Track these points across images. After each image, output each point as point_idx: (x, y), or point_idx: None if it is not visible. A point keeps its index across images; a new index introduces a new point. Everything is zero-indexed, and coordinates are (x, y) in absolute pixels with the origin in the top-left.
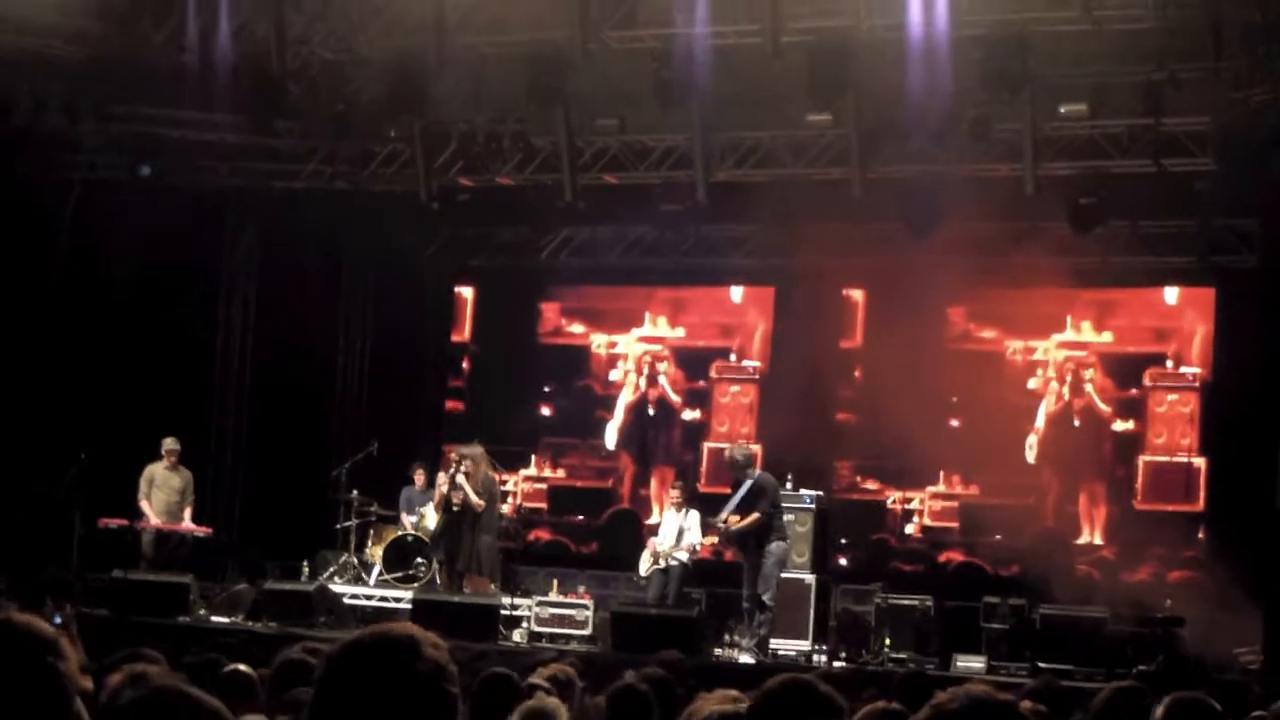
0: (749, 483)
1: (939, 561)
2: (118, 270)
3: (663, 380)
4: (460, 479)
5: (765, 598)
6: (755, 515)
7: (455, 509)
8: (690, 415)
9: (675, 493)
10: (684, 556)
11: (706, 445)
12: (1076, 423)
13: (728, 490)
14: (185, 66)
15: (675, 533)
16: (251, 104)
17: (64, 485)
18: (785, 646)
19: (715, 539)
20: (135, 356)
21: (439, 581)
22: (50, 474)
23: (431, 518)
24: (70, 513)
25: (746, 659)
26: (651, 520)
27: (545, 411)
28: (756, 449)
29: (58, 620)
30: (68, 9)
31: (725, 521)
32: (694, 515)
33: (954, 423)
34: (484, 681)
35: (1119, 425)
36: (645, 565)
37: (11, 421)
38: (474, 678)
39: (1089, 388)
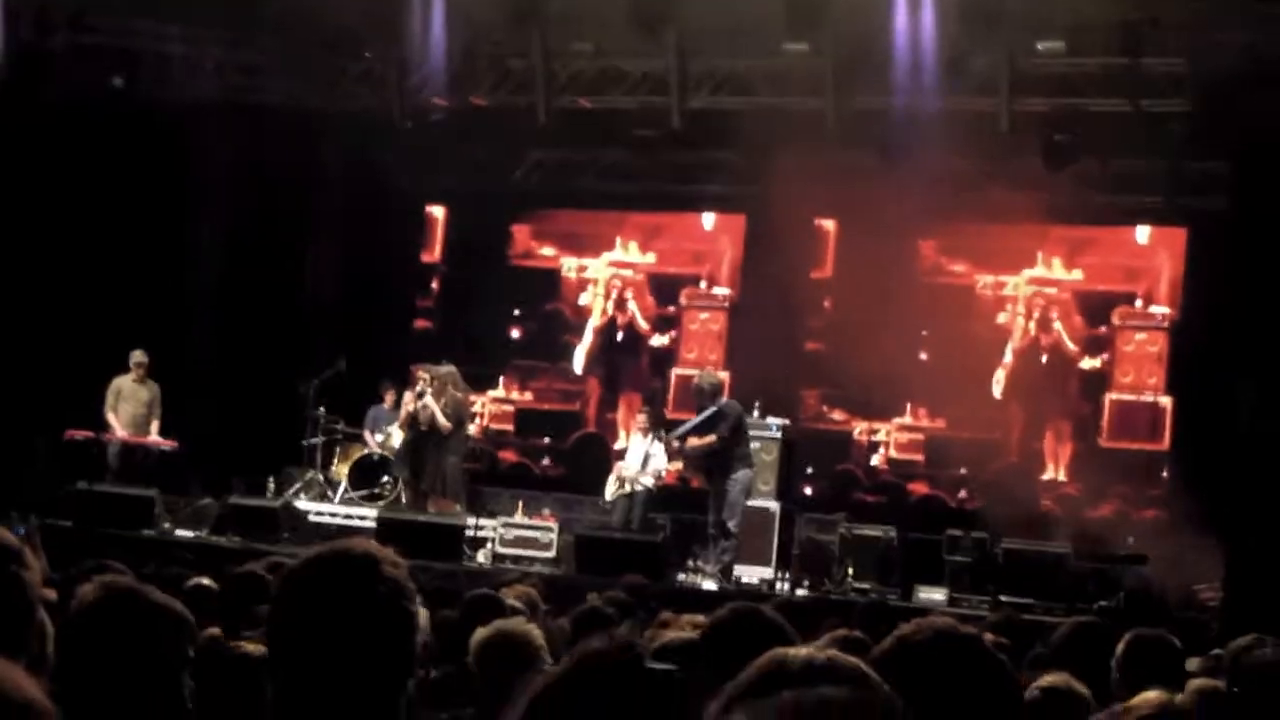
0: (712, 408)
1: (904, 493)
2: (89, 182)
3: (632, 306)
4: (428, 399)
5: (730, 524)
6: (712, 438)
7: (422, 429)
8: (659, 341)
9: (642, 418)
10: (649, 482)
11: (674, 372)
12: (1044, 359)
13: (693, 417)
14: None
15: (641, 458)
16: (225, 16)
17: (29, 396)
18: (748, 573)
19: (678, 464)
20: (102, 268)
21: (404, 500)
22: (15, 386)
23: (398, 436)
24: (35, 423)
25: (710, 585)
26: (618, 445)
27: (514, 334)
28: (724, 376)
29: (20, 531)
30: None
31: (681, 440)
32: (659, 442)
33: (922, 355)
34: (470, 603)
35: (1086, 363)
36: (611, 490)
37: None
38: (452, 598)
39: (1058, 325)
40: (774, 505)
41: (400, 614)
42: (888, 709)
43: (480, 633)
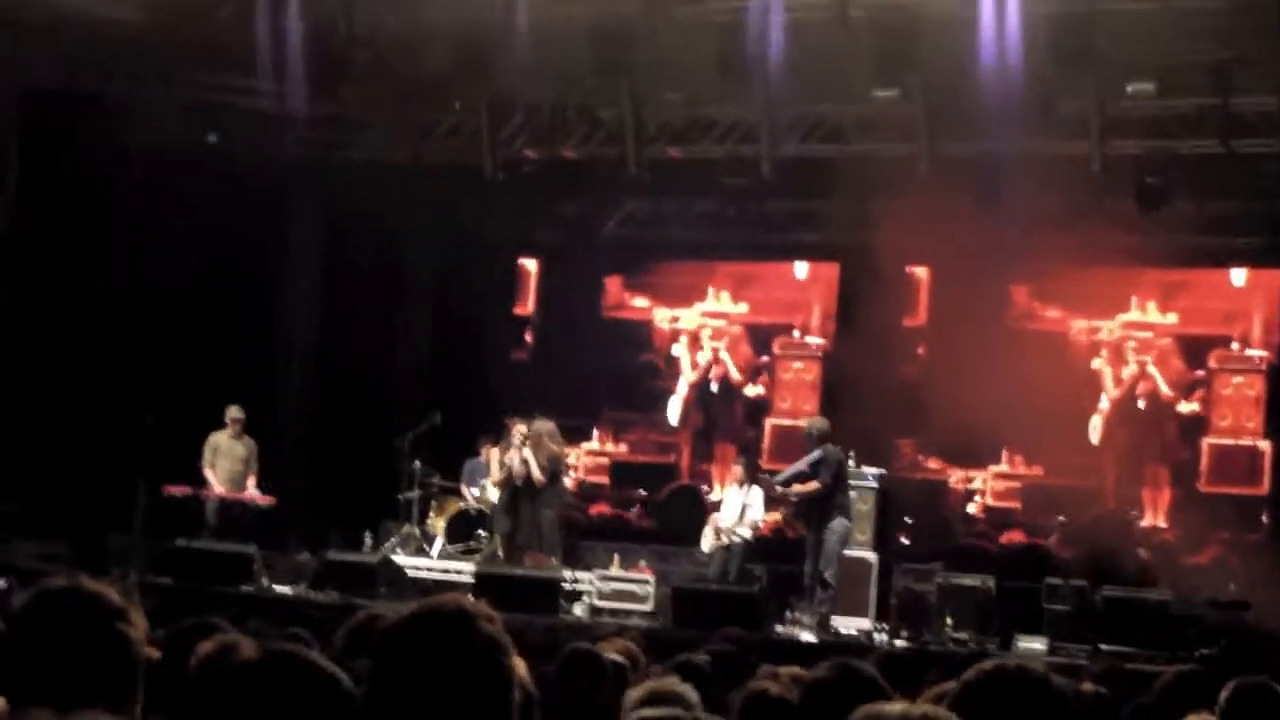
0: (817, 453)
1: (1001, 541)
2: (182, 238)
3: (725, 356)
4: (525, 452)
5: (827, 575)
6: (814, 485)
7: (518, 483)
8: (752, 391)
9: (738, 469)
10: (746, 533)
11: (769, 421)
12: (1141, 404)
13: (789, 467)
14: (252, 34)
15: (738, 509)
16: (318, 73)
17: (128, 452)
18: (846, 624)
19: (776, 514)
20: (200, 325)
21: (500, 555)
22: (115, 441)
23: (494, 491)
24: (134, 479)
25: (808, 636)
26: (713, 496)
27: (607, 386)
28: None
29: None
30: None
31: (785, 485)
32: (757, 492)
33: (1017, 402)
34: (568, 658)
35: (1183, 407)
36: (708, 541)
37: (76, 389)
38: (549, 653)
39: (1153, 369)
40: (871, 555)
41: (496, 668)
42: None
43: (633, 694)
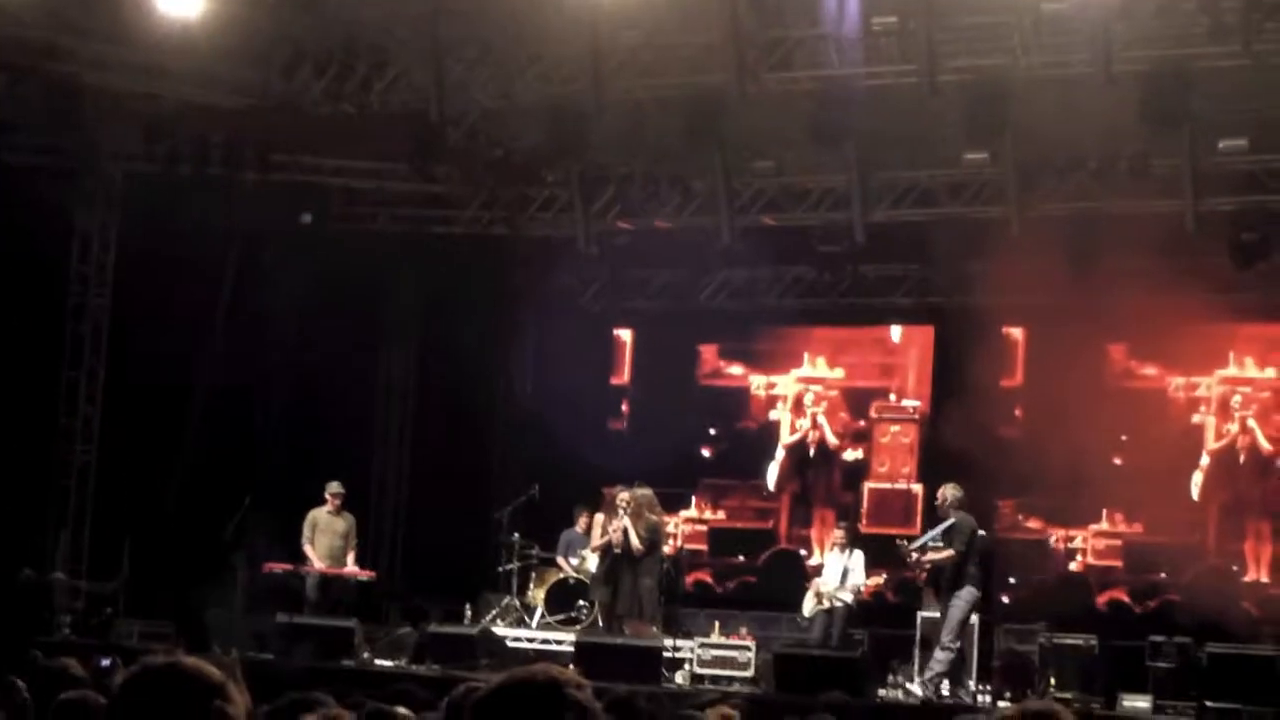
0: (949, 521)
1: (1103, 600)
2: (282, 318)
3: (822, 420)
4: (625, 521)
5: (947, 640)
6: (949, 552)
7: (617, 552)
8: (850, 455)
9: (839, 533)
10: (848, 597)
11: (867, 485)
12: (1242, 459)
13: (889, 530)
14: (346, 115)
15: (839, 573)
16: (411, 151)
17: (230, 530)
18: (948, 687)
19: (879, 579)
20: (300, 402)
21: (600, 624)
22: (216, 519)
23: (592, 560)
24: (235, 557)
25: (916, 690)
26: (813, 561)
27: (705, 453)
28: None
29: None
30: (229, 59)
31: (920, 552)
32: (858, 555)
33: (1117, 460)
34: None
35: None
36: (809, 606)
37: (177, 467)
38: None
39: (1253, 423)
40: (973, 616)
41: None
42: None
43: None
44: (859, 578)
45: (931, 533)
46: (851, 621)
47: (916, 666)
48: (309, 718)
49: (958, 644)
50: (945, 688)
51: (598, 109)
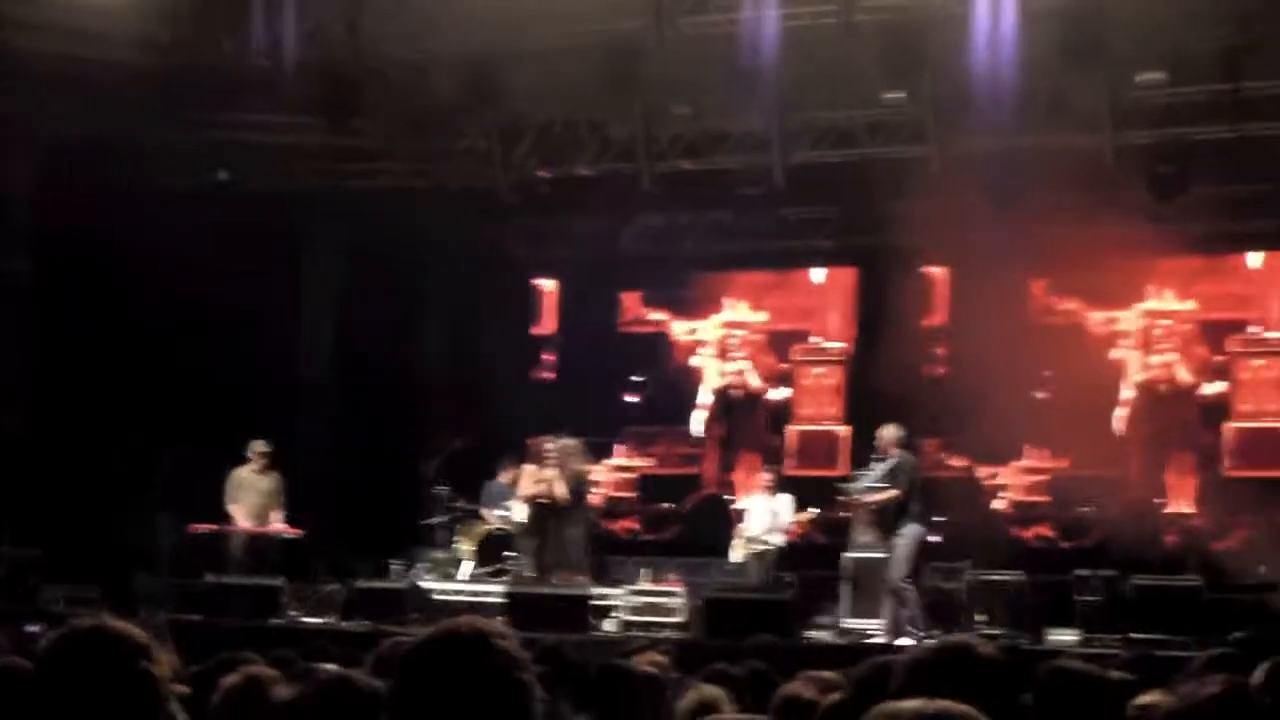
0: (892, 460)
1: (1029, 535)
2: (199, 276)
3: (744, 365)
4: (550, 472)
5: (898, 581)
6: (893, 492)
7: (543, 503)
8: (774, 399)
9: (766, 477)
10: (779, 540)
11: (792, 428)
12: (1163, 391)
13: (815, 472)
14: (258, 70)
15: (768, 517)
16: (327, 105)
17: (152, 491)
18: (874, 626)
19: (808, 516)
20: (219, 361)
21: (528, 575)
22: (139, 481)
23: (519, 511)
24: (159, 518)
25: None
26: (739, 505)
27: (630, 400)
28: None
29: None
30: (139, 17)
31: (862, 492)
32: (785, 498)
33: (1040, 396)
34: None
35: (1205, 391)
36: (738, 552)
37: (97, 430)
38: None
39: (1173, 356)
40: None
41: (515, 684)
42: None
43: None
44: (787, 518)
45: (874, 472)
46: (780, 564)
47: (843, 607)
48: (232, 677)
49: (910, 582)
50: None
51: (514, 57)
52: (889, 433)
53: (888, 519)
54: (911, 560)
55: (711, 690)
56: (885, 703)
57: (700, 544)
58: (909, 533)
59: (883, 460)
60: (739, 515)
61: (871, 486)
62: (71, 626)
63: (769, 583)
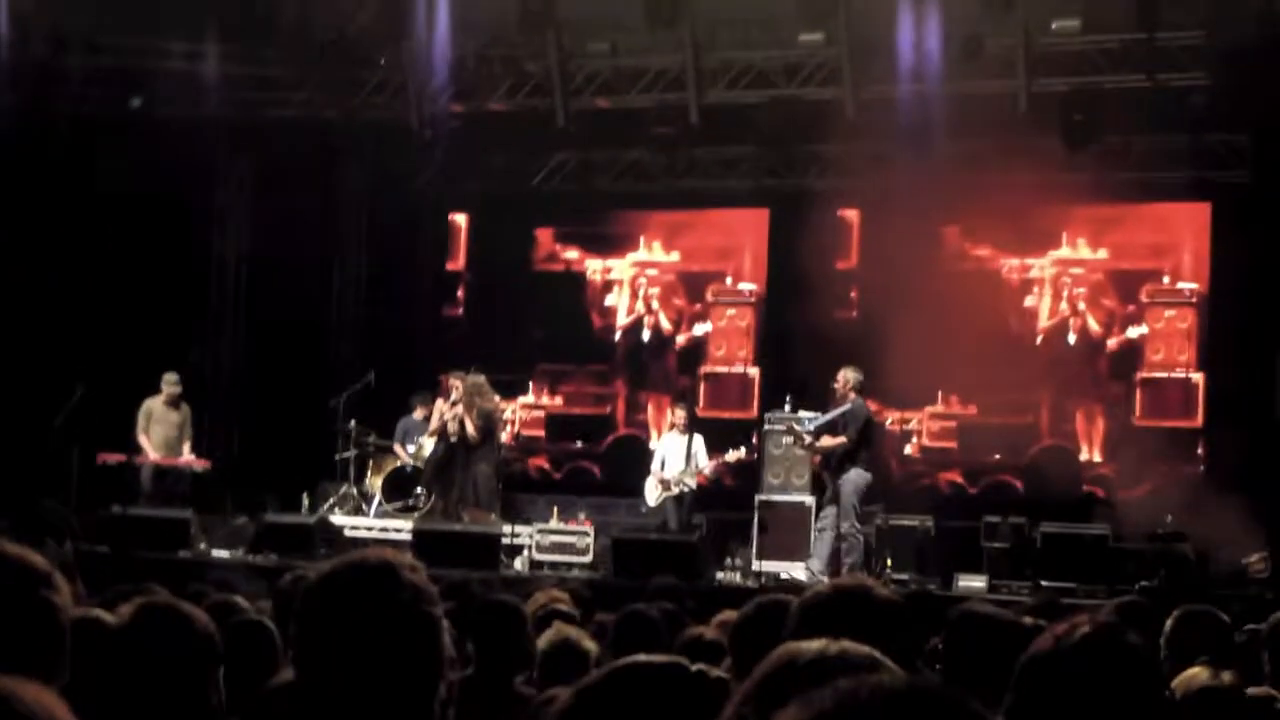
0: (846, 405)
1: (938, 481)
2: (109, 204)
3: (656, 305)
4: (458, 409)
5: (844, 527)
6: (841, 439)
7: (452, 439)
8: (686, 339)
9: (679, 414)
10: (693, 482)
11: (704, 369)
12: (1073, 340)
13: (725, 414)
14: None
15: (685, 457)
16: (240, 32)
17: (61, 420)
18: (786, 569)
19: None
20: (130, 290)
21: (437, 512)
22: (47, 410)
23: (429, 447)
24: (68, 448)
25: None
26: (651, 445)
27: (542, 338)
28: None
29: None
30: None
31: (813, 435)
32: (699, 439)
33: (951, 343)
34: (487, 607)
35: (1116, 342)
36: (654, 494)
37: (6, 358)
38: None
39: (1084, 305)
40: (808, 499)
41: (423, 617)
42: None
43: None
44: (703, 461)
45: (827, 416)
46: (694, 506)
47: (755, 550)
48: (125, 606)
49: (857, 526)
50: (773, 568)
51: None
52: (850, 375)
53: (832, 462)
54: (858, 507)
55: (556, 592)
56: (788, 643)
57: (612, 484)
58: (853, 478)
59: (840, 403)
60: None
61: (823, 430)
62: None
63: (685, 524)
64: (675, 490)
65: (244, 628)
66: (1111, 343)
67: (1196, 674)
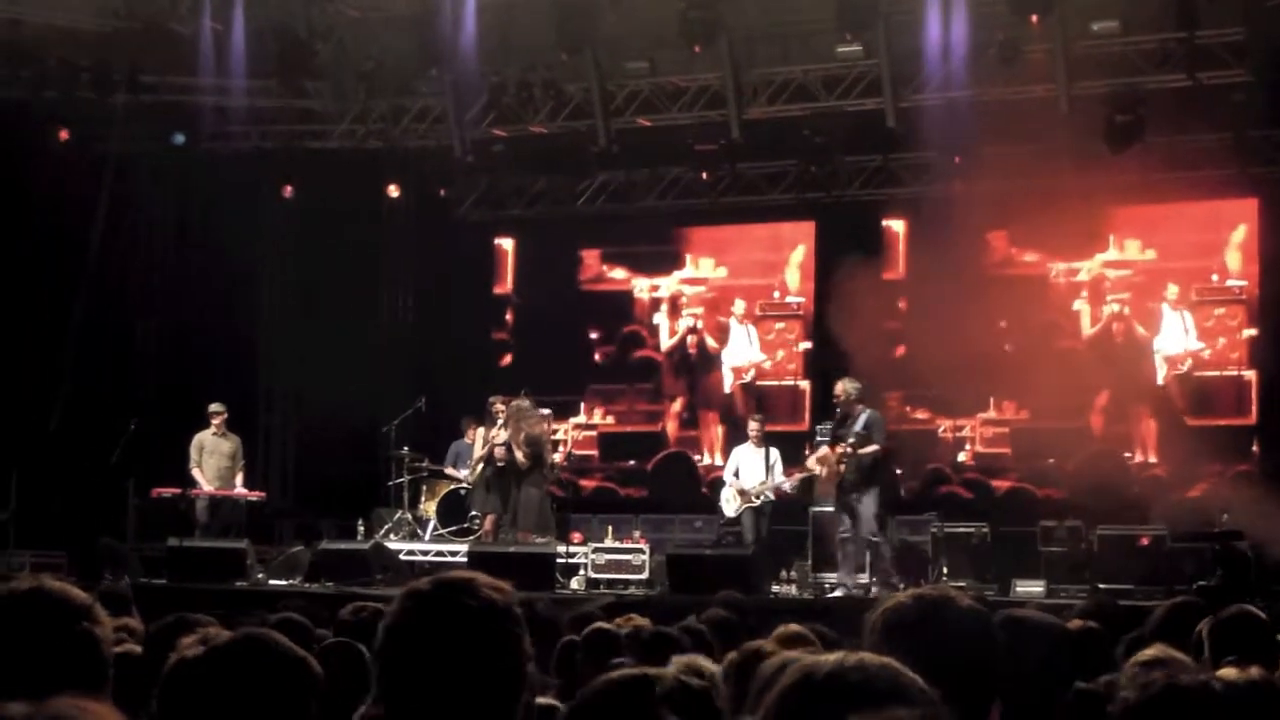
0: (865, 414)
1: (993, 488)
2: (158, 240)
3: (701, 323)
4: (503, 434)
5: (868, 533)
6: (875, 446)
7: (500, 464)
8: (734, 354)
9: (755, 426)
10: (773, 495)
11: (754, 384)
12: (1119, 343)
13: (776, 428)
14: (212, 33)
15: (763, 469)
16: (280, 67)
17: (116, 456)
18: (830, 580)
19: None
20: (179, 325)
21: (488, 535)
22: (102, 446)
23: (475, 472)
24: (123, 484)
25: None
26: (716, 461)
27: (592, 358)
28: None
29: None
30: None
31: (853, 446)
32: (775, 452)
33: (1002, 349)
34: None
35: (1163, 341)
36: (733, 505)
37: (59, 395)
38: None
39: (1126, 309)
40: None
41: (503, 634)
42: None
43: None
44: (779, 474)
45: (854, 427)
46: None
47: (810, 562)
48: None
49: (882, 535)
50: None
51: (467, 16)
52: (849, 387)
53: (865, 473)
54: (880, 516)
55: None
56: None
57: (664, 501)
58: (877, 486)
59: (844, 414)
60: (706, 470)
61: (859, 437)
62: (10, 588)
63: (762, 535)
64: (757, 501)
65: (331, 651)
66: (1159, 343)
67: (1224, 675)
